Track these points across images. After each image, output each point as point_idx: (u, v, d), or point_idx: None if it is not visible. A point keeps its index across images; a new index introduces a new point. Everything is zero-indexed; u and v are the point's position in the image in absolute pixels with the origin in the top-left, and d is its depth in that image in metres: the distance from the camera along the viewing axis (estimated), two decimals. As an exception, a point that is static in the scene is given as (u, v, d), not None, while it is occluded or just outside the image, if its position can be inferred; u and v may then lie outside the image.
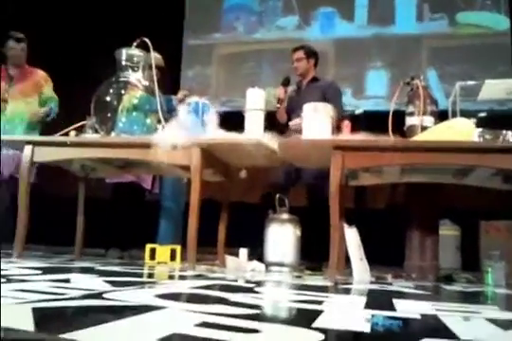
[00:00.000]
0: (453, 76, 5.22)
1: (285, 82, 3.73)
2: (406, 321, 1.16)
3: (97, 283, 1.60)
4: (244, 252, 3.14)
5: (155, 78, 2.95)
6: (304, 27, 6.18)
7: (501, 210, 2.89)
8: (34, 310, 0.97)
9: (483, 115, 2.69)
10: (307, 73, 3.77)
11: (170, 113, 3.08)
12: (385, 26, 5.94)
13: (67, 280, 1.63)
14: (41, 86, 4.00)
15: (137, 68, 2.93)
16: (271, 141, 2.73)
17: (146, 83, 2.91)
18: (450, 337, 0.97)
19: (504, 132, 2.47)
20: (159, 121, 2.84)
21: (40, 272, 1.85)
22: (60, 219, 2.50)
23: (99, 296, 1.26)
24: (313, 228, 3.14)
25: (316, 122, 2.65)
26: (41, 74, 4.05)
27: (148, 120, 2.86)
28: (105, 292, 1.33)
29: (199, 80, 5.45)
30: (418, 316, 1.26)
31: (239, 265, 2.99)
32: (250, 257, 3.14)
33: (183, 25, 6.40)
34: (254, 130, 2.83)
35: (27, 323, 0.85)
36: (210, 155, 2.81)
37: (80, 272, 2.10)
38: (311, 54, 3.79)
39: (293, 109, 3.68)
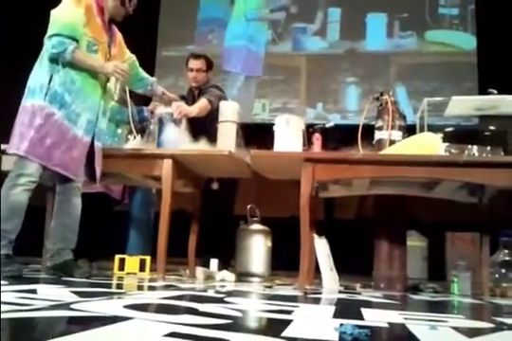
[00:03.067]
0: (421, 92, 5.36)
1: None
2: (374, 330, 1.17)
3: (64, 294, 1.58)
4: (215, 262, 3.13)
5: (127, 88, 2.94)
6: (277, 42, 6.26)
7: (466, 222, 2.96)
8: (-1, 321, 0.96)
9: (449, 130, 2.75)
10: (202, 84, 3.63)
11: (141, 123, 3.07)
12: (356, 43, 6.06)
13: (34, 291, 1.60)
14: (124, 50, 2.77)
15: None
16: (243, 153, 2.75)
17: (118, 94, 2.90)
18: (417, 345, 0.99)
19: (470, 146, 2.55)
20: (131, 132, 2.83)
21: (6, 282, 1.80)
22: (27, 229, 2.45)
23: (66, 306, 1.25)
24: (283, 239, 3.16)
25: (287, 135, 2.68)
26: (119, 33, 2.76)
27: (119, 131, 2.85)
28: (73, 303, 1.31)
29: (172, 92, 5.44)
30: (386, 325, 1.28)
31: (209, 275, 2.98)
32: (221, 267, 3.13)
33: (157, 36, 6.41)
34: (226, 141, 2.85)
35: (-9, 334, 0.83)
36: (181, 166, 2.80)
37: (47, 283, 2.07)
38: (210, 66, 3.66)
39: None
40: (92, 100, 2.49)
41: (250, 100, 6.01)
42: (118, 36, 2.70)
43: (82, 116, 2.44)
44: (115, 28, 2.68)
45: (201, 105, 3.28)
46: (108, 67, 2.48)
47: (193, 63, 3.58)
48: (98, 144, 2.55)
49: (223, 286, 2.51)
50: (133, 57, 2.79)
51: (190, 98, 3.63)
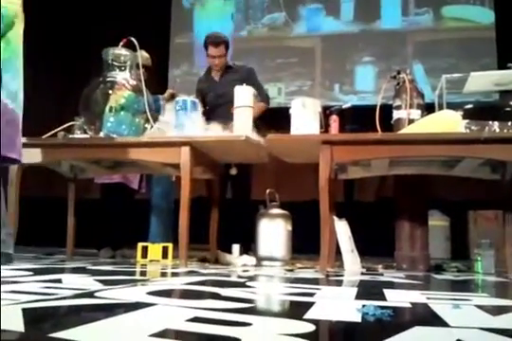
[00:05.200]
0: (439, 69, 5.25)
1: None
2: (397, 310, 1.16)
3: (88, 282, 1.60)
4: (236, 247, 3.15)
5: (142, 77, 2.94)
6: (291, 24, 6.19)
7: (489, 200, 2.92)
8: (25, 310, 0.97)
9: (469, 106, 2.70)
10: (223, 65, 3.68)
11: (157, 112, 3.07)
12: (371, 22, 5.96)
13: (59, 281, 1.62)
14: None
15: (124, 68, 2.91)
16: (259, 137, 2.74)
17: (133, 83, 2.90)
18: (441, 325, 0.98)
19: (491, 122, 2.50)
20: (147, 121, 2.83)
21: (31, 273, 1.84)
22: (51, 220, 2.49)
23: (90, 294, 1.26)
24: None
25: (304, 117, 2.65)
26: None
27: (136, 120, 2.85)
28: (97, 291, 1.33)
29: (187, 79, 5.44)
30: (409, 305, 1.27)
31: (230, 260, 3.01)
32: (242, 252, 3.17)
33: (170, 23, 6.39)
34: (243, 126, 2.83)
35: (16, 324, 0.84)
36: (199, 153, 2.81)
37: (71, 272, 2.10)
38: (228, 47, 3.68)
39: (211, 100, 3.64)
40: None
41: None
42: None
43: None
44: None
45: (259, 111, 3.43)
46: None
47: (214, 51, 3.60)
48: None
49: (245, 271, 2.52)
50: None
51: (210, 79, 3.66)
